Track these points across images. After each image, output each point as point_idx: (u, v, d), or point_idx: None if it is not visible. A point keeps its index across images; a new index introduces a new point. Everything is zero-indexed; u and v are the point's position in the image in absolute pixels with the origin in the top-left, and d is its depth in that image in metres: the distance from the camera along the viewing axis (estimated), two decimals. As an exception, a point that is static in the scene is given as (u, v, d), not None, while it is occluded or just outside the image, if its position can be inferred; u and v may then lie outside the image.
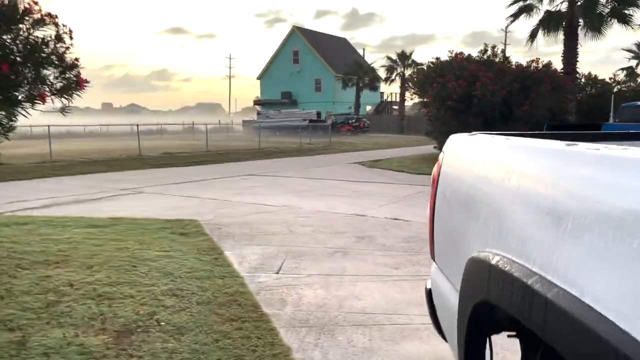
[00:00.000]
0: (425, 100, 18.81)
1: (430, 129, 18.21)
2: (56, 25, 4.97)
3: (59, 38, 4.98)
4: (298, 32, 56.67)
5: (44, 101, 4.85)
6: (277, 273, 4.92)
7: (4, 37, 4.80)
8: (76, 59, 5.04)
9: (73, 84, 5.19)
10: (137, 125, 19.41)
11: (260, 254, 5.58)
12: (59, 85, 5.10)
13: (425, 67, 19.05)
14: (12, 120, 4.95)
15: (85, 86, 5.26)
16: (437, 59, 18.20)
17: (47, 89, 4.99)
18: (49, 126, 16.71)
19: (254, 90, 61.54)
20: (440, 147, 18.88)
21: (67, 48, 5.06)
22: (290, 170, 15.81)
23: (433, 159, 15.31)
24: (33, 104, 4.82)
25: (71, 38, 5.08)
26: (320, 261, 5.34)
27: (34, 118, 5.42)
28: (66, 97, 5.25)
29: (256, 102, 60.78)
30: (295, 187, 11.57)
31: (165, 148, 21.43)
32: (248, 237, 6.39)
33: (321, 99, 54.49)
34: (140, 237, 6.09)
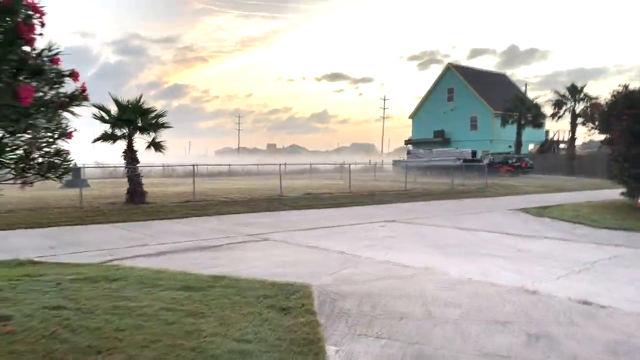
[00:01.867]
0: (608, 137, 15.41)
1: (615, 172, 14.75)
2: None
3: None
4: (453, 69, 54.30)
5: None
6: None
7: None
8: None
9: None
10: (280, 165, 18.94)
11: (376, 356, 3.80)
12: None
13: (606, 100, 15.70)
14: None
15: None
16: (625, 87, 14.84)
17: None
18: (194, 166, 16.91)
19: (408, 131, 60.04)
20: (631, 194, 15.26)
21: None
22: (438, 216, 13.72)
23: (620, 207, 11.96)
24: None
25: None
26: (468, 381, 3.37)
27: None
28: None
29: (407, 142, 59.17)
30: (441, 241, 9.53)
31: (308, 188, 20.74)
32: (367, 321, 4.64)
33: (477, 138, 50.96)
34: (227, 312, 4.70)
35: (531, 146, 52.75)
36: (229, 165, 42.18)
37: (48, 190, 20.07)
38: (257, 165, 42.67)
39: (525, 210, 15.21)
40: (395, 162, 55.03)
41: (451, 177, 26.61)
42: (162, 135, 14.92)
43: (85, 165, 29.83)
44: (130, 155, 14.55)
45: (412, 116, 58.61)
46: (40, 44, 3.50)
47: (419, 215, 14.07)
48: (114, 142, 14.55)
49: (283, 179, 34.39)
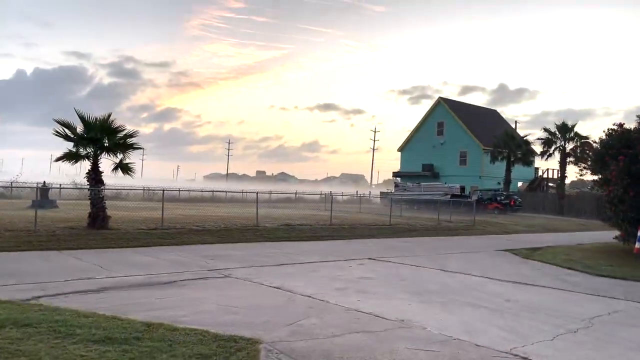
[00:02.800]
0: (602, 177, 14.71)
1: (609, 214, 13.98)
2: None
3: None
4: (444, 103, 54.18)
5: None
6: None
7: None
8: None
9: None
10: (257, 194, 17.98)
11: None
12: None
13: (600, 138, 15.07)
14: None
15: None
16: (620, 125, 14.23)
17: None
18: (163, 190, 15.92)
19: (397, 163, 59.60)
20: (626, 238, 14.39)
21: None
22: (421, 255, 12.80)
23: (613, 252, 11.03)
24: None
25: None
26: None
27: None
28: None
29: (395, 174, 58.56)
30: (422, 285, 8.59)
31: (288, 218, 19.76)
32: (317, 397, 3.67)
33: (466, 173, 50.46)
34: (140, 378, 3.71)
35: (520, 184, 52.35)
36: (201, 190, 41.14)
37: (13, 210, 18.93)
38: (225, 192, 41.66)
39: (514, 252, 14.36)
40: (382, 195, 54.30)
41: (438, 213, 25.80)
42: (131, 157, 13.97)
43: (53, 186, 28.62)
44: (94, 177, 13.52)
45: (401, 149, 58.19)
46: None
47: (400, 253, 13.14)
48: (76, 162, 13.54)
49: (268, 207, 33.42)
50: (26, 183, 26.63)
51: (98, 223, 13.25)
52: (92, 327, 4.95)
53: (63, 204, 22.63)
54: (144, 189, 35.81)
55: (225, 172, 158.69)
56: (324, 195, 45.59)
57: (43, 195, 21.52)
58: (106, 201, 14.06)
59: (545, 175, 53.09)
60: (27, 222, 13.85)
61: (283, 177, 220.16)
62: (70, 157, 13.41)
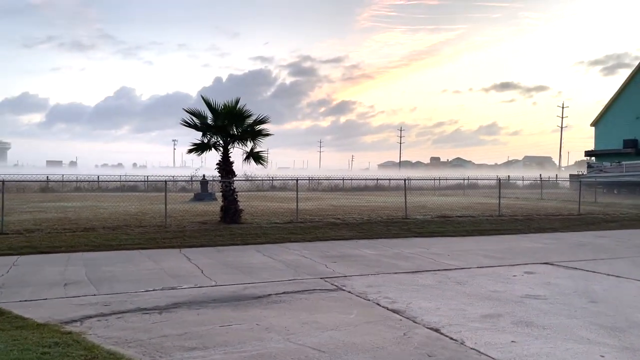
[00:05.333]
0: None
1: None
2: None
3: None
4: (650, 65, 44.77)
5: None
6: None
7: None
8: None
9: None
10: (405, 180, 15.63)
11: None
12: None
13: None
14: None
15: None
16: None
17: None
18: (297, 180, 14.54)
19: (590, 142, 51.51)
20: None
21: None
22: (623, 258, 9.31)
23: None
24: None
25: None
26: None
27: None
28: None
29: (588, 153, 50.47)
30: (624, 313, 5.59)
31: (445, 208, 17.11)
32: None
33: (684, 148, 41.01)
34: None
35: None
36: (342, 179, 39.77)
37: (175, 204, 19.55)
38: (366, 179, 39.45)
39: None
40: (572, 177, 47.27)
41: (647, 198, 20.47)
42: (262, 145, 12.85)
43: (214, 178, 29.66)
44: (224, 167, 12.68)
45: (595, 123, 49.83)
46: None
47: (592, 254, 9.78)
48: (202, 152, 12.84)
49: (433, 194, 30.72)
50: (195, 176, 28.05)
51: (229, 217, 12.38)
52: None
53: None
54: (272, 179, 35.97)
55: (398, 160, 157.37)
56: (500, 180, 41.06)
57: (203, 188, 22.07)
58: (256, 192, 13.15)
59: None
60: (169, 216, 13.65)
61: (459, 162, 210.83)
62: (200, 147, 12.75)
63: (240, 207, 12.85)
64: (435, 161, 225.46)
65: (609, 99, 48.71)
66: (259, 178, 37.54)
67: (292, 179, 28.98)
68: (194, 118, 12.56)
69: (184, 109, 12.55)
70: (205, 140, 12.79)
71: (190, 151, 12.91)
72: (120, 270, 7.72)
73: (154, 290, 6.47)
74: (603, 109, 49.27)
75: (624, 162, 38.91)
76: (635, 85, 45.91)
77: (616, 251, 10.25)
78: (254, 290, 6.56)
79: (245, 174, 40.29)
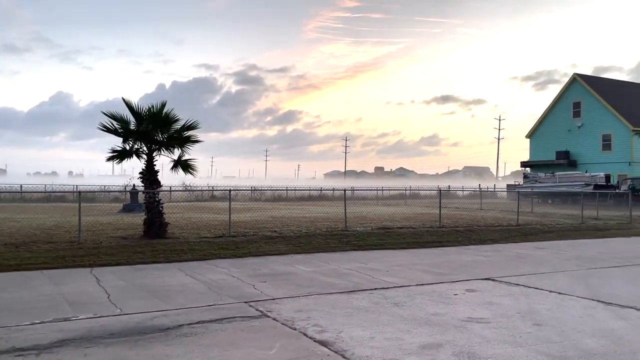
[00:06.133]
0: None
1: None
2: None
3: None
4: (580, 80, 46.87)
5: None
6: None
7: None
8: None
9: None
10: (345, 191, 15.08)
11: None
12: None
13: None
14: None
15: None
16: None
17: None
18: (229, 190, 13.65)
19: (525, 153, 53.31)
20: None
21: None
22: (562, 272, 9.06)
23: None
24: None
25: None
26: None
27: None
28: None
29: (524, 164, 52.23)
30: (570, 337, 5.14)
31: (386, 219, 16.72)
32: None
33: (611, 160, 43.04)
34: None
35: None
36: (288, 189, 39.30)
37: (102, 215, 18.13)
38: (315, 189, 39.11)
39: None
40: (509, 187, 48.62)
41: (580, 207, 20.93)
42: (192, 152, 11.91)
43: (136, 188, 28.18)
44: (148, 177, 11.64)
45: (530, 135, 51.64)
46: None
47: (532, 267, 9.49)
48: (121, 160, 11.75)
49: (376, 205, 30.44)
50: (129, 185, 26.44)
51: (154, 231, 11.33)
52: None
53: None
54: (212, 189, 34.95)
55: (344, 169, 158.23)
56: (442, 190, 41.50)
57: (133, 199, 20.69)
58: (164, 203, 12.11)
59: None
60: (88, 230, 12.39)
61: (402, 172, 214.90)
62: (120, 155, 11.65)
63: (166, 220, 11.82)
64: (379, 171, 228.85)
65: (542, 112, 50.67)
66: (199, 188, 36.14)
67: (224, 189, 28.03)
68: (115, 122, 11.46)
69: (102, 112, 11.44)
70: (128, 147, 11.69)
71: (109, 159, 11.76)
72: (8, 297, 6.61)
73: (41, 323, 5.45)
74: (537, 121, 51.16)
75: (557, 173, 40.34)
76: (566, 100, 47.96)
77: (555, 264, 10.03)
78: (164, 320, 5.67)
79: (185, 184, 38.73)
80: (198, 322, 5.55)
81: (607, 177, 37.87)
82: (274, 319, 5.75)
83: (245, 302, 6.53)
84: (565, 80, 49.57)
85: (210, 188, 35.99)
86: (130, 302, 6.50)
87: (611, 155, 43.49)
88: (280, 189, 40.59)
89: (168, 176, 13.17)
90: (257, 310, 6.16)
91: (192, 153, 12.09)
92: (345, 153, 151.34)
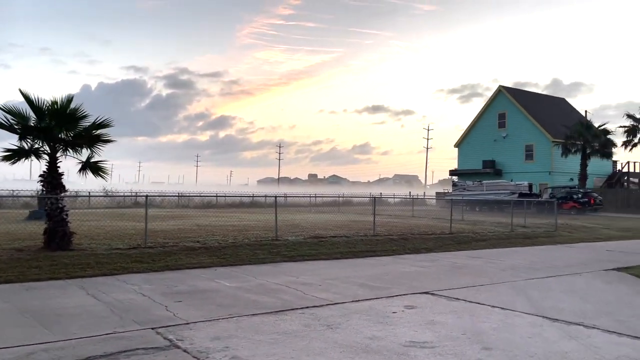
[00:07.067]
0: None
1: None
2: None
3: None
4: (505, 92, 48.78)
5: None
6: None
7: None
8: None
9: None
10: (276, 197, 14.24)
11: None
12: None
13: None
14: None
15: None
16: None
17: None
18: (147, 196, 12.42)
19: (453, 163, 54.72)
20: None
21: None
22: (502, 283, 8.68)
23: None
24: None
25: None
26: None
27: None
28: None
29: (453, 172, 53.62)
30: (513, 352, 4.56)
31: (319, 227, 16.02)
32: None
33: (533, 169, 44.98)
34: None
35: (595, 179, 46.27)
36: (216, 195, 38.20)
37: (5, 223, 16.19)
38: (239, 196, 38.46)
39: (627, 270, 10.00)
40: (438, 195, 49.69)
41: (508, 215, 21.23)
42: (102, 154, 10.62)
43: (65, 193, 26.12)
44: (50, 180, 10.23)
45: (458, 144, 53.12)
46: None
47: (470, 279, 9.05)
48: (17, 161, 10.27)
49: (309, 212, 29.75)
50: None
51: (56, 242, 9.93)
52: None
53: (78, 214, 19.84)
54: (123, 195, 33.36)
55: (277, 176, 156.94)
56: (373, 198, 41.55)
57: (41, 205, 18.74)
58: (70, 210, 10.70)
59: (625, 169, 46.74)
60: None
61: (335, 179, 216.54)
62: (15, 154, 10.15)
63: (72, 230, 10.43)
64: (312, 178, 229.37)
65: (469, 123, 52.27)
66: (120, 193, 33.98)
67: (141, 195, 26.29)
68: (10, 117, 9.96)
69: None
70: (27, 146, 10.22)
71: (2, 159, 10.19)
72: None
73: None
74: (465, 131, 52.72)
75: (484, 181, 41.49)
76: (492, 111, 49.74)
77: (492, 275, 9.67)
78: (41, 356, 4.56)
79: (105, 189, 36.31)
80: (86, 359, 4.49)
81: (530, 186, 39.38)
82: (185, 351, 4.79)
83: (152, 329, 5.51)
84: (489, 94, 51.70)
85: (134, 194, 33.89)
86: (7, 330, 5.30)
87: (533, 165, 45.44)
88: (210, 195, 39.05)
89: (92, 180, 11.72)
90: (165, 338, 5.17)
91: (104, 154, 10.79)
92: (279, 160, 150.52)
